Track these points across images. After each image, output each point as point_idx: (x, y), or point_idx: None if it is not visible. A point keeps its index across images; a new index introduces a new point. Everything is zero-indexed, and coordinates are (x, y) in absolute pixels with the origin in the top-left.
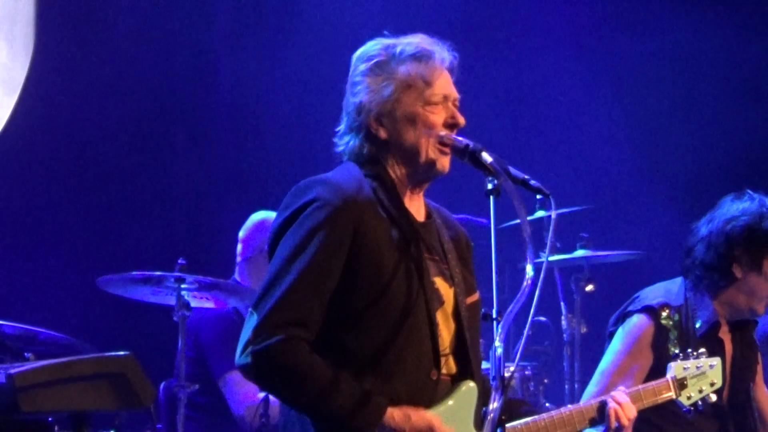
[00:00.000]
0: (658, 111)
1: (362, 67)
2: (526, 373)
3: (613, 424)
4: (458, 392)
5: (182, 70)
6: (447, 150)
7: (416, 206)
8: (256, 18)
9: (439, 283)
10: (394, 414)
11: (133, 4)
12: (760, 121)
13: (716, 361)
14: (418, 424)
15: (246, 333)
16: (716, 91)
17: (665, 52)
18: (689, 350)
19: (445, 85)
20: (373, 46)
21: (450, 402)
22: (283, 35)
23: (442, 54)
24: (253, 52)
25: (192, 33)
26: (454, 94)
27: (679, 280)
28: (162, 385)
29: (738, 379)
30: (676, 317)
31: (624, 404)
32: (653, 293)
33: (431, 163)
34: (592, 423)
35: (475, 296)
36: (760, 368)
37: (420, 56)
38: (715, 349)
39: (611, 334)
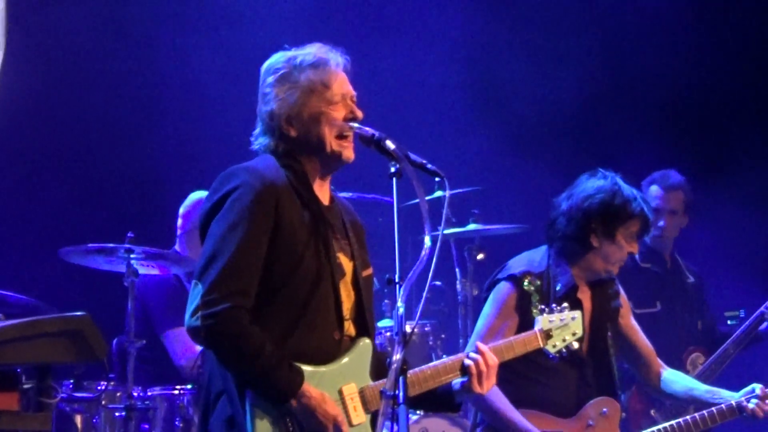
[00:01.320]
0: (522, 101)
1: (270, 79)
2: (426, 329)
3: (474, 371)
4: (357, 347)
5: (130, 61)
6: (347, 143)
7: (323, 192)
8: (199, 11)
9: (342, 257)
10: (312, 390)
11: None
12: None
13: (577, 314)
14: (329, 408)
15: (194, 300)
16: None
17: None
18: (554, 305)
19: (342, 85)
20: (277, 60)
21: (352, 355)
22: (223, 24)
23: (337, 59)
24: (196, 41)
25: (140, 27)
26: (351, 91)
27: (543, 248)
28: (114, 341)
29: (596, 332)
30: (537, 283)
31: (484, 353)
32: (518, 262)
33: (337, 154)
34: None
35: (369, 270)
36: (625, 311)
37: (317, 64)
38: (573, 307)
39: (485, 299)
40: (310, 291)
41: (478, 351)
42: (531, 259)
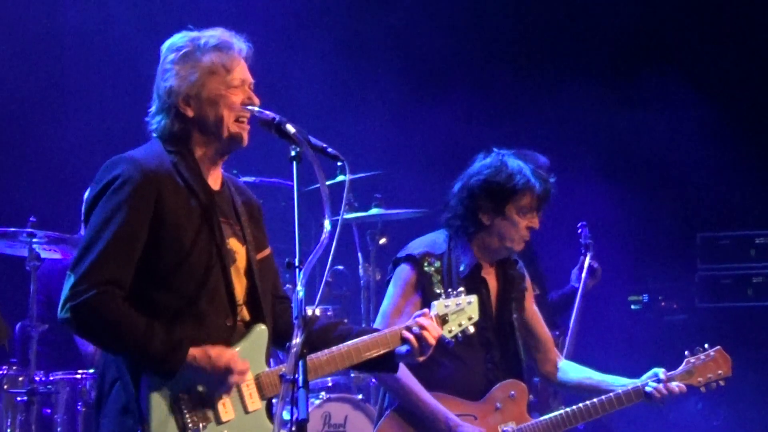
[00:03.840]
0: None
1: (171, 56)
2: (329, 314)
3: (416, 344)
4: (251, 334)
5: (35, 37)
6: (244, 126)
7: (214, 177)
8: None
9: (233, 243)
10: (196, 354)
11: None
12: None
13: (473, 298)
14: (216, 360)
15: (64, 292)
16: None
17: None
18: (450, 290)
19: (242, 71)
20: (180, 39)
21: (246, 342)
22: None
23: (240, 45)
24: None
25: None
26: (250, 79)
27: (443, 231)
28: (18, 326)
29: (502, 312)
30: (437, 264)
31: (428, 326)
32: (418, 244)
33: (233, 136)
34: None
35: (266, 252)
36: (529, 296)
37: (221, 47)
38: (479, 287)
39: (389, 280)
40: (200, 280)
41: (419, 324)
42: (432, 240)
